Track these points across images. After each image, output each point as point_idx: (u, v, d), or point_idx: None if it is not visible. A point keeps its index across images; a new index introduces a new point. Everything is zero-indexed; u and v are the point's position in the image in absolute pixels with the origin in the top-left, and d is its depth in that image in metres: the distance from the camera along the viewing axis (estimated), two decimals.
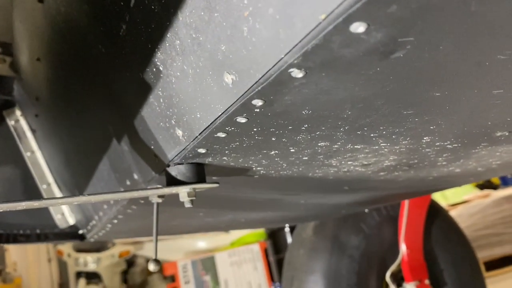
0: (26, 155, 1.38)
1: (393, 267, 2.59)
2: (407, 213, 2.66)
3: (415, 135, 0.56)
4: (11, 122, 1.40)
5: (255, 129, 0.48)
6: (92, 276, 6.57)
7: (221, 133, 0.49)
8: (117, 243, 6.81)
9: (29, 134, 1.39)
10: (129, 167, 0.76)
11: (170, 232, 1.68)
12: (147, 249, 7.13)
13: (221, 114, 0.45)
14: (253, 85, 0.38)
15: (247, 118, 0.45)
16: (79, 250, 6.67)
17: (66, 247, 6.78)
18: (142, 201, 0.85)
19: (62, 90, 0.94)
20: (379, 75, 0.37)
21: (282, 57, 0.33)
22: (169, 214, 1.05)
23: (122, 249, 6.74)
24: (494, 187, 5.21)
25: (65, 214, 1.38)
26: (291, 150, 0.58)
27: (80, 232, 1.41)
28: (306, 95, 0.40)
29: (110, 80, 0.67)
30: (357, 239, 2.73)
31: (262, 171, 0.68)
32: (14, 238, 1.36)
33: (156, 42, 0.49)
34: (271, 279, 5.09)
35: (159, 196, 0.72)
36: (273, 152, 0.58)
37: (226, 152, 0.57)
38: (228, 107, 0.43)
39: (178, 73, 0.48)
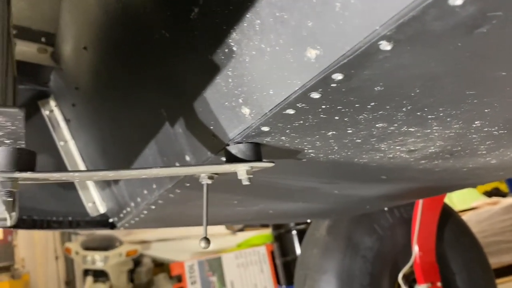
0: (60, 144, 1.42)
1: (405, 269, 2.61)
2: (421, 215, 2.67)
3: (468, 118, 0.59)
4: (45, 112, 1.44)
5: (323, 106, 0.52)
6: (99, 274, 6.62)
7: (290, 109, 0.52)
8: (125, 242, 6.86)
9: (63, 124, 1.43)
10: (181, 150, 0.79)
11: (197, 222, 1.70)
12: (154, 249, 7.16)
13: (297, 89, 0.48)
14: (338, 58, 0.41)
15: (321, 93, 0.48)
16: (87, 248, 6.72)
17: (74, 245, 6.83)
18: (188, 184, 0.89)
19: (108, 78, 0.97)
20: (458, 51, 0.40)
21: (376, 29, 0.37)
22: (199, 201, 1.08)
23: (129, 248, 6.78)
24: (503, 194, 5.20)
25: (96, 202, 1.42)
26: (348, 131, 0.61)
27: (110, 220, 1.45)
28: (385, 69, 0.43)
29: (170, 64, 0.71)
30: (370, 240, 2.74)
31: (312, 154, 0.71)
32: (48, 224, 1.40)
33: (232, 24, 0.53)
34: (277, 281, 5.11)
35: (209, 178, 0.75)
36: (330, 133, 0.61)
37: (287, 131, 0.60)
38: (307, 82, 0.46)
39: (254, 52, 0.51)
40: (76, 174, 0.56)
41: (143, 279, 6.98)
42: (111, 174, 0.59)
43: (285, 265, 5.11)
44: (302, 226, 4.54)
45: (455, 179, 1.03)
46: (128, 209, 1.23)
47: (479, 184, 1.44)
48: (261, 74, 0.52)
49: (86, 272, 6.51)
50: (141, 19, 0.73)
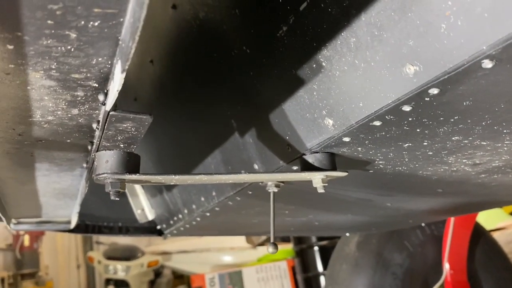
0: None
1: (436, 287, 2.59)
2: (452, 233, 2.66)
3: None
4: None
5: (410, 119, 0.55)
6: (121, 284, 6.66)
7: (378, 121, 0.56)
8: (146, 253, 6.92)
9: None
10: (249, 159, 0.84)
11: (244, 231, 1.74)
12: (174, 261, 7.20)
13: (390, 102, 0.52)
14: (438, 74, 0.45)
15: (412, 106, 0.52)
16: (109, 257, 6.80)
17: (97, 254, 6.92)
18: (250, 192, 0.93)
19: (174, 90, 1.02)
20: None
21: (483, 48, 0.40)
22: (254, 209, 1.12)
23: (151, 259, 6.83)
24: None
25: (145, 209, 1.47)
26: (424, 143, 0.64)
27: (158, 227, 1.50)
28: (479, 85, 0.46)
29: (247, 78, 0.76)
30: (400, 256, 2.73)
31: (381, 165, 0.75)
32: (99, 229, 1.45)
33: (324, 41, 0.57)
34: None
35: (276, 186, 0.79)
36: (406, 145, 0.65)
37: (366, 142, 0.64)
38: (402, 96, 0.50)
39: (346, 67, 0.56)
40: (176, 177, 0.60)
41: None
42: (205, 178, 0.63)
43: (306, 281, 5.07)
44: (324, 242, 4.53)
45: (505, 195, 1.05)
46: (180, 216, 1.28)
47: None
48: (351, 87, 0.56)
49: (107, 282, 6.58)
50: (218, 36, 0.78)
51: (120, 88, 0.39)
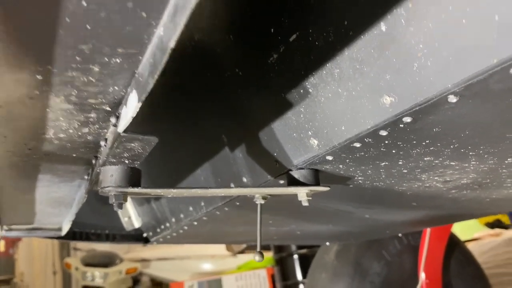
0: None
1: None
2: (428, 243, 2.74)
3: (503, 155, 0.69)
4: None
5: (386, 142, 0.62)
6: None
7: (358, 143, 0.63)
8: (125, 260, 6.87)
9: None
10: (238, 172, 0.89)
11: (231, 240, 1.77)
12: (153, 268, 7.16)
13: (369, 128, 0.58)
14: (411, 106, 0.52)
15: (388, 131, 0.58)
16: (87, 264, 6.73)
17: (74, 261, 6.84)
18: (238, 203, 0.98)
19: (165, 105, 1.07)
20: (508, 105, 0.50)
21: (448, 86, 0.47)
22: (241, 219, 1.18)
23: (129, 266, 6.78)
24: (505, 226, 5.23)
25: (131, 217, 1.51)
26: (399, 162, 0.71)
27: (144, 235, 1.54)
28: (447, 116, 0.53)
29: (238, 98, 0.82)
30: (378, 265, 2.80)
31: (360, 181, 0.81)
32: (87, 236, 1.49)
33: (311, 70, 0.63)
34: None
35: (263, 198, 0.85)
36: (383, 163, 0.71)
37: (347, 160, 0.70)
38: (379, 123, 0.56)
39: (330, 95, 0.62)
40: (174, 190, 0.65)
41: None
42: (199, 192, 0.68)
43: None
44: (303, 251, 4.58)
45: (476, 208, 1.12)
46: (168, 224, 1.32)
47: (497, 213, 1.50)
48: (334, 113, 0.63)
49: None
50: (212, 57, 0.84)
51: (134, 114, 0.45)
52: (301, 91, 0.67)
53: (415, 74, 0.50)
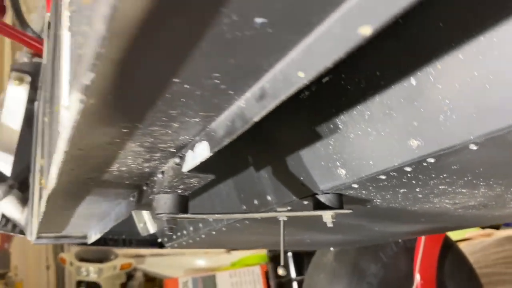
0: None
1: None
2: (423, 246, 2.82)
3: (509, 185, 0.77)
4: None
5: (409, 175, 0.70)
6: (93, 286, 6.62)
7: (383, 175, 0.70)
8: (120, 255, 6.90)
9: None
10: (263, 190, 0.97)
11: (244, 246, 1.85)
12: (147, 263, 7.19)
13: (395, 165, 0.66)
14: (436, 150, 0.59)
15: (412, 168, 0.66)
16: (81, 259, 6.75)
17: (69, 256, 6.85)
18: (260, 218, 1.06)
19: None
20: None
21: (471, 138, 0.55)
22: (259, 230, 1.25)
23: (124, 262, 6.80)
24: (496, 227, 5.33)
25: (147, 223, 1.58)
26: (416, 190, 0.79)
27: (159, 240, 1.61)
28: (466, 158, 0.61)
29: (268, 125, 0.89)
30: (376, 267, 2.89)
31: (378, 203, 0.89)
32: (105, 241, 1.55)
33: (342, 109, 0.71)
34: None
35: (286, 216, 0.93)
36: (402, 190, 0.79)
37: (370, 188, 0.78)
38: (405, 161, 0.64)
39: (360, 132, 0.69)
40: (215, 215, 0.73)
41: None
42: (238, 216, 0.76)
43: (279, 286, 5.19)
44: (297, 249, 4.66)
45: (477, 222, 1.21)
46: (185, 232, 1.40)
47: (497, 223, 1.58)
48: (363, 149, 0.70)
49: (79, 284, 6.55)
50: None
51: (202, 160, 0.52)
52: (331, 126, 0.74)
53: (441, 124, 0.58)
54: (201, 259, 6.50)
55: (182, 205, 0.68)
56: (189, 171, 0.57)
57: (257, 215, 0.80)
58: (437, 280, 2.83)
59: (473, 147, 0.57)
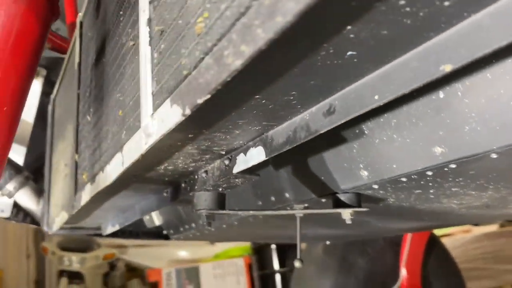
0: None
1: None
2: (410, 241, 2.92)
3: None
4: None
5: (428, 178, 0.76)
6: (75, 276, 6.54)
7: (404, 178, 0.77)
8: (102, 245, 6.87)
9: None
10: (280, 187, 1.02)
11: (245, 239, 1.90)
12: (130, 254, 7.16)
13: (418, 169, 0.72)
14: (460, 157, 0.66)
15: (433, 172, 0.73)
16: (63, 248, 6.69)
17: (51, 245, 6.79)
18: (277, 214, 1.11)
19: None
20: None
21: (494, 148, 0.61)
22: (271, 224, 1.31)
23: (107, 252, 6.75)
24: (475, 223, 5.49)
25: (152, 215, 1.62)
26: (430, 191, 0.85)
27: (164, 232, 1.65)
28: (484, 164, 0.68)
29: None
30: (363, 261, 2.97)
31: (391, 201, 0.96)
32: (115, 233, 1.59)
33: (369, 117, 0.77)
34: None
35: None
36: (417, 191, 0.86)
37: (388, 188, 0.84)
38: (428, 167, 0.70)
39: (385, 138, 0.76)
40: (250, 212, 0.78)
41: (117, 283, 6.98)
42: (267, 212, 0.81)
43: (262, 278, 5.25)
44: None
45: (476, 220, 1.29)
46: (193, 225, 1.44)
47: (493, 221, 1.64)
48: (387, 153, 0.76)
49: (61, 273, 6.51)
50: None
51: (255, 163, 0.57)
52: (357, 131, 0.80)
53: (465, 134, 0.64)
54: (184, 251, 6.51)
55: (221, 201, 0.73)
56: (238, 172, 0.62)
57: (284, 212, 0.86)
58: (422, 275, 2.92)
59: (494, 155, 0.63)
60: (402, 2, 0.30)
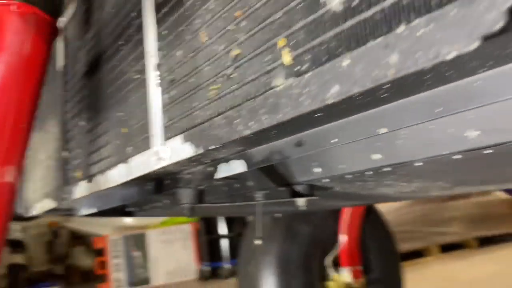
0: None
1: (333, 253, 3.09)
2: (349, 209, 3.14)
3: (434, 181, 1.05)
4: None
5: (368, 175, 0.94)
6: (16, 245, 6.39)
7: (350, 175, 0.94)
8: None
9: None
10: (245, 177, 1.17)
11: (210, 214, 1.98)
12: (75, 221, 7.03)
13: (361, 169, 0.90)
14: (393, 163, 0.84)
15: (372, 171, 0.90)
16: None
17: None
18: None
19: None
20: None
21: (418, 158, 0.79)
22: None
23: (50, 219, 6.60)
24: None
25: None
26: (370, 183, 1.04)
27: (127, 210, 1.75)
28: (411, 168, 0.86)
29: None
30: (307, 228, 3.17)
31: (337, 189, 1.14)
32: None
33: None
34: (201, 258, 5.34)
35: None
36: (359, 183, 1.04)
37: (336, 181, 1.02)
38: (369, 168, 0.88)
39: (335, 146, 0.92)
40: (225, 204, 0.93)
41: (61, 251, 6.90)
42: (240, 204, 0.96)
43: (209, 243, 5.39)
44: None
45: (407, 199, 1.51)
46: (159, 204, 1.57)
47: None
48: (337, 156, 0.93)
49: None
50: None
51: (236, 173, 0.71)
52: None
53: (398, 146, 0.82)
54: (131, 218, 6.47)
55: (200, 196, 0.87)
56: (219, 178, 0.76)
57: (251, 203, 1.01)
58: (359, 238, 3.17)
59: (417, 163, 0.82)
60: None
